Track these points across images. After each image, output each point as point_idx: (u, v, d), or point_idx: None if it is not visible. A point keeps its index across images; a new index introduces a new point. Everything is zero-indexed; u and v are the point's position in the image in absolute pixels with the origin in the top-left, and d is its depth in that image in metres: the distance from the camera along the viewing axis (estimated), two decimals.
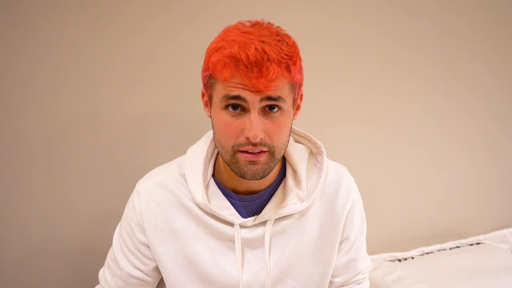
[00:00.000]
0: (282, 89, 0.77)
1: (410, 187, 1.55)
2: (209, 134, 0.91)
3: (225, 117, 0.78)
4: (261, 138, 0.76)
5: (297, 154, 0.91)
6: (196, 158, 0.88)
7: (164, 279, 0.91)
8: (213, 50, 0.77)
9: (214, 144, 0.88)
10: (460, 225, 1.64)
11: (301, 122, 0.97)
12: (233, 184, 0.88)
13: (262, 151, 0.78)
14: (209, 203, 0.85)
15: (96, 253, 1.16)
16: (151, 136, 1.19)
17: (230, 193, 0.88)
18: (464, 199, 1.63)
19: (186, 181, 0.87)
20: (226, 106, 0.78)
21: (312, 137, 0.93)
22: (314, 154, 0.94)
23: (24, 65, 1.06)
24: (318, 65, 1.32)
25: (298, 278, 0.91)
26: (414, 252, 1.52)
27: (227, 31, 0.78)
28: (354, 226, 0.95)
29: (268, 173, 0.81)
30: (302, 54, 0.81)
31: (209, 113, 0.84)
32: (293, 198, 0.88)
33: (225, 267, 0.88)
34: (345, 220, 0.93)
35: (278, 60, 0.74)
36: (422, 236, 1.57)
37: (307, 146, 0.94)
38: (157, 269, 0.92)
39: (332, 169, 0.95)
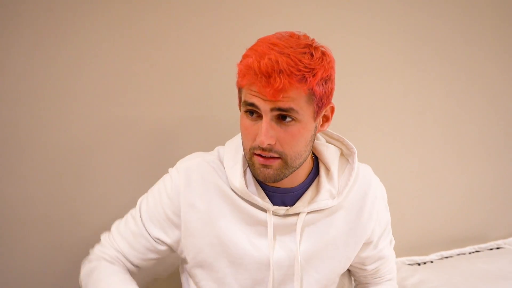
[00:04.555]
0: (295, 100, 0.80)
1: (429, 191, 1.55)
2: None
3: (245, 121, 0.85)
4: (270, 145, 0.81)
5: (330, 153, 0.95)
6: (235, 148, 0.94)
7: (191, 257, 0.94)
8: (242, 57, 0.83)
9: None
10: (479, 230, 1.64)
11: None
12: None
13: (273, 157, 0.83)
14: (247, 187, 0.91)
15: None
16: (181, 140, 1.21)
17: (264, 185, 0.92)
18: (483, 203, 1.63)
19: (224, 168, 0.93)
20: (246, 111, 0.84)
21: (345, 138, 0.98)
22: (345, 155, 0.98)
23: (56, 68, 1.08)
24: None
25: (321, 270, 0.96)
26: (433, 256, 1.53)
27: (259, 41, 0.83)
28: (383, 224, 1.02)
29: (281, 178, 0.86)
30: None
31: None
32: (325, 194, 0.93)
33: (255, 251, 0.92)
34: (374, 222, 0.99)
35: (290, 71, 0.77)
36: (441, 240, 1.58)
37: (338, 148, 0.98)
38: (169, 248, 0.97)
39: (363, 170, 0.99)
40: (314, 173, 0.95)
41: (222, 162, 0.95)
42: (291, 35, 0.83)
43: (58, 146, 1.12)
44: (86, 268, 0.96)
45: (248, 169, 0.93)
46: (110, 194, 1.18)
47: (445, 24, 1.47)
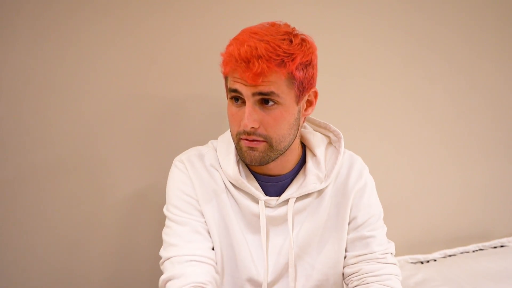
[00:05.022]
0: (276, 84, 0.83)
1: (433, 189, 1.55)
2: None
3: (231, 108, 0.89)
4: (254, 128, 0.85)
5: (316, 140, 0.99)
6: (227, 139, 0.97)
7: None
8: (226, 47, 0.87)
9: None
10: (483, 228, 1.64)
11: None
12: (256, 167, 0.96)
13: (257, 140, 0.87)
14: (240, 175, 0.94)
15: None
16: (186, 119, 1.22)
17: (256, 174, 0.96)
18: (487, 201, 1.63)
19: (218, 158, 0.96)
20: (231, 98, 0.88)
21: (331, 125, 1.00)
22: (333, 143, 1.01)
23: (65, 56, 1.09)
24: (334, 65, 1.33)
25: (315, 255, 0.97)
26: (436, 255, 1.53)
27: (242, 31, 0.87)
28: (362, 207, 0.98)
29: (267, 161, 0.89)
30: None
31: None
32: (313, 178, 0.95)
33: (249, 240, 0.95)
34: (352, 201, 0.97)
35: (269, 56, 0.81)
36: (444, 238, 1.58)
37: (326, 136, 1.01)
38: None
39: (349, 154, 1.02)
40: (303, 160, 0.98)
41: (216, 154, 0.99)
42: (272, 24, 0.87)
43: (69, 128, 1.12)
44: None
45: (240, 161, 0.96)
46: (119, 182, 1.18)
47: (444, 24, 1.48)
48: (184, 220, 0.93)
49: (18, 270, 1.13)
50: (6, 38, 1.04)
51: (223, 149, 0.97)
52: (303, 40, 0.86)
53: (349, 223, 0.98)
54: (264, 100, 0.85)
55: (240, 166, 0.96)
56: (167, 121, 1.20)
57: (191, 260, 0.89)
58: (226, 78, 0.90)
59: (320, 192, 0.97)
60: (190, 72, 1.20)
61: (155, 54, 1.16)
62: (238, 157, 0.96)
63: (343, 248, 0.98)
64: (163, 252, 0.93)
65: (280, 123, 0.87)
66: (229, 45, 0.86)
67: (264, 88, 0.83)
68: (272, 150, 0.88)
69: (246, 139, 0.87)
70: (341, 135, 0.99)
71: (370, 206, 0.99)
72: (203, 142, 1.03)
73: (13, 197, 1.10)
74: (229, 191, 0.95)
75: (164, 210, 0.97)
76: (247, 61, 0.81)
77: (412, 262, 1.48)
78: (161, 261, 0.93)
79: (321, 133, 1.02)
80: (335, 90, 1.34)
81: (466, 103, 1.54)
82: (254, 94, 0.84)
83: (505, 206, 1.66)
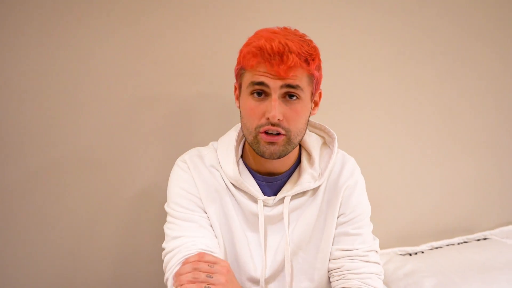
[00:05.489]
0: (300, 79, 0.88)
1: (419, 184, 1.58)
2: (238, 126, 1.02)
3: (251, 102, 0.90)
4: (279, 120, 0.87)
5: (311, 140, 1.02)
6: (227, 141, 1.00)
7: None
8: (245, 45, 0.91)
9: (242, 132, 0.98)
10: (467, 221, 1.67)
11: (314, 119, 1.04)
12: (257, 166, 0.98)
13: (279, 134, 0.89)
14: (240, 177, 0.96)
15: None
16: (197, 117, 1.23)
17: (255, 174, 0.99)
18: (471, 196, 1.67)
19: (218, 159, 0.98)
20: (252, 92, 0.90)
21: (326, 126, 1.04)
22: (327, 143, 1.04)
23: (74, 58, 1.10)
24: (328, 65, 1.35)
25: (309, 250, 0.99)
26: (424, 247, 1.56)
27: (257, 32, 0.92)
28: (351, 204, 0.99)
29: (285, 154, 0.92)
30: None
31: (238, 105, 0.97)
32: (307, 177, 0.98)
33: (249, 238, 0.97)
34: (341, 198, 0.99)
35: (298, 52, 0.86)
36: (431, 231, 1.61)
37: (321, 137, 1.05)
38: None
39: (342, 153, 1.05)
40: (298, 160, 1.01)
41: (216, 155, 1.00)
42: (285, 28, 0.92)
43: (80, 127, 1.13)
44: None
45: (240, 160, 1.00)
46: (124, 182, 1.19)
47: (442, 21, 1.50)
48: (190, 217, 0.94)
49: (18, 270, 1.13)
50: (7, 38, 1.04)
51: (223, 150, 0.99)
52: (315, 45, 0.92)
53: (337, 218, 0.99)
54: (288, 94, 0.89)
55: (240, 166, 0.99)
56: (172, 121, 1.21)
57: (200, 249, 0.89)
58: (241, 74, 0.93)
59: (314, 190, 1.00)
60: (195, 72, 1.21)
61: (159, 54, 1.17)
62: (238, 157, 0.99)
63: (331, 243, 1.00)
64: (167, 244, 0.92)
65: (300, 117, 0.91)
66: (251, 42, 0.89)
67: (293, 81, 0.87)
68: (290, 143, 0.91)
69: (266, 133, 0.89)
70: (335, 135, 1.02)
71: (358, 204, 1.00)
72: (209, 142, 1.05)
73: (16, 198, 1.10)
74: (229, 190, 0.98)
75: (166, 207, 0.98)
76: (281, 55, 0.84)
77: (401, 254, 1.51)
78: (164, 252, 0.93)
79: (316, 134, 1.05)
80: (324, 89, 1.36)
81: (452, 99, 1.57)
82: (282, 87, 0.87)
83: (488, 201, 1.70)
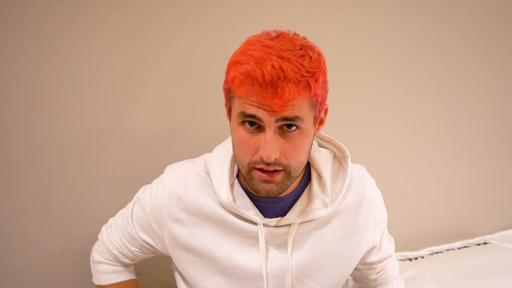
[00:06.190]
0: (300, 108, 0.73)
1: (419, 189, 1.58)
2: None
3: (242, 133, 0.76)
4: (275, 158, 0.74)
5: (322, 158, 0.89)
6: (222, 158, 0.88)
7: (182, 267, 0.92)
8: (233, 63, 0.75)
9: None
10: (467, 226, 1.67)
11: None
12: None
13: (276, 171, 0.77)
14: (234, 202, 0.86)
15: None
16: (165, 149, 1.22)
17: (253, 195, 0.87)
18: (471, 201, 1.67)
19: (211, 180, 0.87)
20: (243, 122, 0.76)
21: (337, 141, 0.92)
22: (338, 158, 0.93)
23: (74, 58, 1.09)
24: (328, 65, 1.34)
25: (317, 278, 0.91)
26: (424, 252, 1.55)
27: (248, 43, 0.75)
28: (378, 233, 0.98)
29: (284, 191, 0.80)
30: None
31: (229, 123, 0.84)
32: (318, 203, 0.87)
33: (246, 262, 0.88)
34: (370, 230, 0.95)
35: (296, 78, 0.70)
36: (431, 236, 1.61)
37: (331, 150, 0.93)
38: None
39: (356, 174, 0.94)
40: (306, 179, 0.90)
41: (208, 174, 0.89)
42: (281, 35, 0.76)
43: (51, 148, 1.12)
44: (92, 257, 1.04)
45: (235, 181, 0.88)
46: (101, 199, 1.19)
47: (434, 28, 1.49)
48: (134, 235, 0.96)
49: (19, 269, 1.13)
50: (7, 39, 1.03)
51: (217, 170, 0.87)
52: (319, 54, 0.76)
53: (371, 249, 0.99)
54: (287, 125, 0.75)
55: (236, 187, 0.87)
56: (173, 121, 1.20)
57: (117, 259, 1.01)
58: (230, 97, 0.78)
59: (326, 217, 0.90)
60: (194, 76, 1.20)
61: (157, 57, 1.16)
62: (232, 180, 0.87)
63: (348, 273, 0.96)
64: (114, 222, 1.01)
65: (301, 149, 0.77)
66: (238, 62, 0.73)
67: (290, 113, 0.73)
68: (290, 178, 0.79)
69: (262, 171, 0.77)
70: (348, 153, 0.91)
71: (385, 223, 1.01)
72: (206, 147, 1.01)
73: (15, 199, 1.10)
74: (222, 214, 0.87)
75: (132, 202, 0.98)
76: (275, 86, 0.69)
77: (401, 259, 1.51)
78: (107, 224, 1.03)
79: (326, 147, 0.94)
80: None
81: (452, 105, 1.56)
82: (277, 120, 0.73)
83: (488, 206, 1.70)
